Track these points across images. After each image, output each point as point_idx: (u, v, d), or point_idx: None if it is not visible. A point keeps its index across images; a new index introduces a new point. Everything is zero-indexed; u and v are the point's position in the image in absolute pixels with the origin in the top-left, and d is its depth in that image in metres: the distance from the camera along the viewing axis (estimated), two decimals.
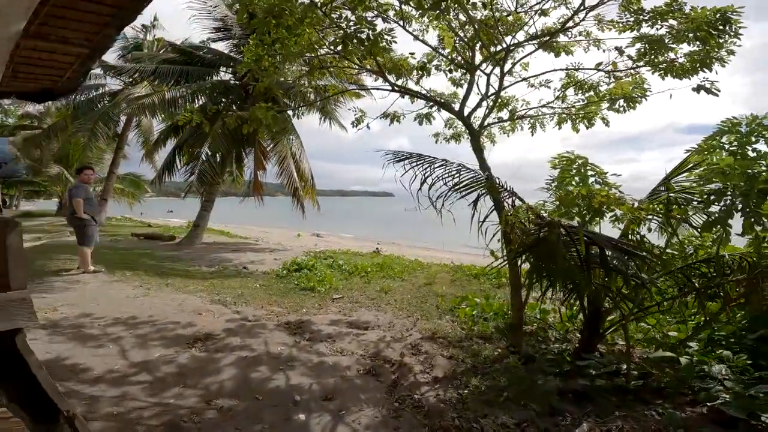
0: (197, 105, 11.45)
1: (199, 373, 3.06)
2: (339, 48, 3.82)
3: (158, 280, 5.94)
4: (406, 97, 6.26)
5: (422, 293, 5.97)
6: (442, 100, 4.85)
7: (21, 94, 5.16)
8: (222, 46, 11.57)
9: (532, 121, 6.09)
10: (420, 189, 3.38)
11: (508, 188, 3.43)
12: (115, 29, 3.84)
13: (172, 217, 29.81)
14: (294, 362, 3.36)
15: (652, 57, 4.36)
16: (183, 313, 4.41)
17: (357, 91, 6.95)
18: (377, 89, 4.88)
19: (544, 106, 5.48)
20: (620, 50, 4.50)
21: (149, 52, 13.51)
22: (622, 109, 5.09)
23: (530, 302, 4.93)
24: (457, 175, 3.41)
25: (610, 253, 2.57)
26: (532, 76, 5.43)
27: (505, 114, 6.01)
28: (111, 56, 16.59)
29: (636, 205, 3.24)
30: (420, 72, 4.64)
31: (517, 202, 3.66)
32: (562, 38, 4.96)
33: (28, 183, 22.92)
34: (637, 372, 3.17)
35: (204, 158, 9.39)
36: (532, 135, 6.22)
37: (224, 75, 11.58)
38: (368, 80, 7.32)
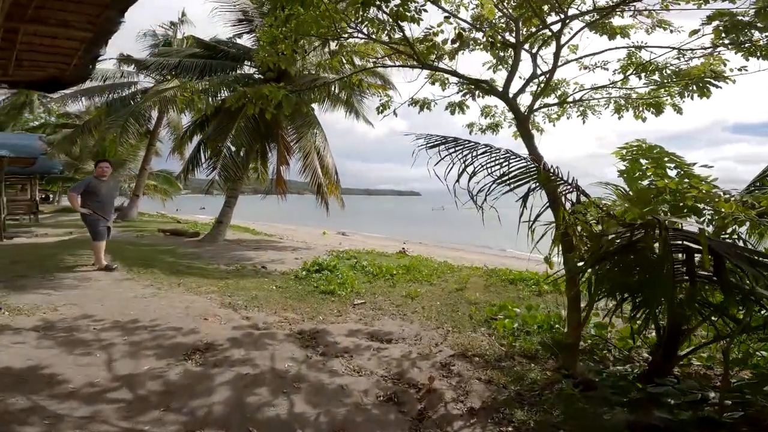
0: (219, 99, 11.31)
1: (189, 392, 2.59)
2: (360, 14, 3.26)
3: (171, 279, 5.62)
4: (437, 84, 5.67)
5: (453, 300, 5.34)
6: (482, 81, 4.18)
7: (29, 83, 4.92)
8: (247, 41, 11.34)
9: (582, 108, 5.33)
10: (458, 181, 2.78)
11: (572, 181, 2.75)
12: (117, 11, 3.42)
13: (204, 213, 30.48)
14: (301, 383, 2.84)
15: (734, 37, 3.55)
16: (188, 318, 4.00)
17: (382, 68, 6.29)
18: (406, 67, 4.27)
19: (601, 87, 4.70)
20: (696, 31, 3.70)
21: (176, 48, 13.54)
22: (696, 95, 4.26)
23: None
24: (506, 163, 2.77)
25: (732, 262, 1.86)
26: (586, 56, 4.67)
27: (552, 100, 5.28)
28: (142, 55, 16.88)
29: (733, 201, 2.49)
30: (456, 44, 4.00)
31: (573, 198, 3.00)
32: (617, 20, 4.24)
33: (68, 179, 23.94)
34: (731, 401, 2.44)
35: (226, 153, 9.12)
36: (584, 122, 5.45)
37: (248, 69, 11.35)
38: (394, 77, 6.74)
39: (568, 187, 2.75)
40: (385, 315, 4.61)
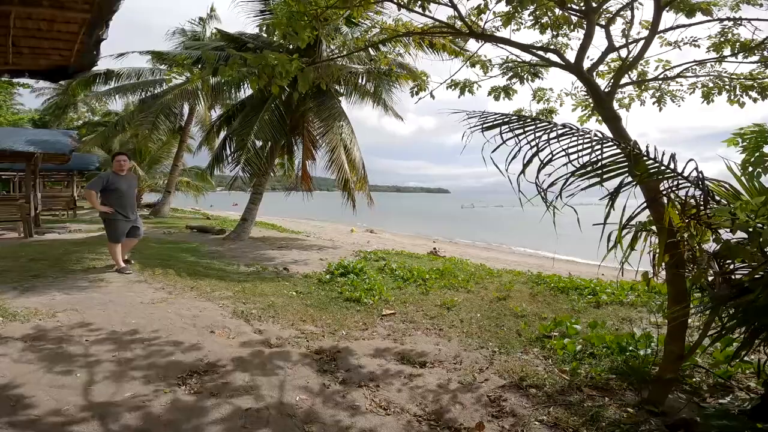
0: (243, 91, 10.99)
1: None
2: None
3: (185, 281, 5.20)
4: (477, 66, 4.94)
5: (495, 311, 4.61)
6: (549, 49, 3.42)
7: (34, 72, 4.57)
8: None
9: (659, 91, 4.45)
10: (523, 172, 2.09)
11: (694, 173, 1.99)
12: None
13: (236, 210, 30.88)
14: (313, 424, 2.24)
15: None
16: (193, 330, 3.52)
17: (410, 58, 5.59)
18: (449, 34, 3.57)
19: (694, 64, 3.80)
20: None
21: (202, 42, 13.40)
22: None
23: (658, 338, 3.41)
24: (594, 147, 2.04)
25: None
26: (672, 28, 3.79)
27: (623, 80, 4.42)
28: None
29: None
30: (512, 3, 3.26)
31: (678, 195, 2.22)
32: None
33: None
34: None
35: (250, 147, 8.73)
36: (660, 110, 4.56)
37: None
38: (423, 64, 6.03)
39: (683, 182, 1.98)
40: (417, 329, 3.96)
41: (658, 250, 3.21)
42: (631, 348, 3.45)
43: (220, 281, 5.37)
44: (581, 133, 2.08)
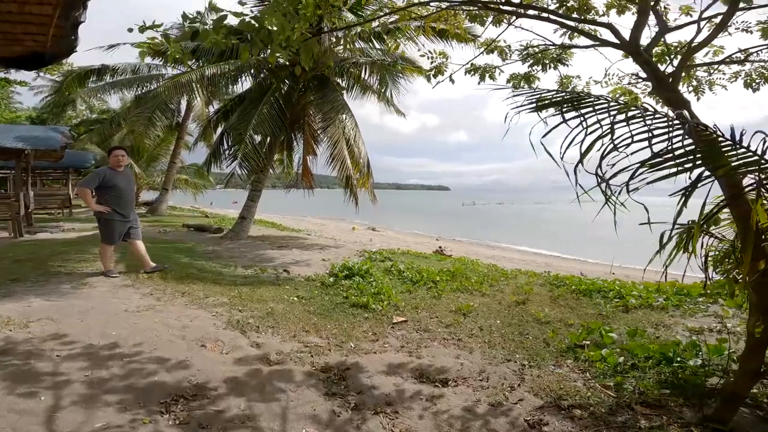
0: (241, 85, 10.56)
1: None
2: None
3: (176, 286, 4.80)
4: (495, 53, 4.51)
5: (516, 317, 4.21)
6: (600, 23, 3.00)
7: (7, 60, 4.22)
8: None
9: (696, 80, 4.04)
10: (581, 161, 1.69)
11: None
12: None
13: (236, 208, 30.42)
14: None
15: None
16: (181, 343, 3.11)
17: (429, 24, 5.12)
18: (481, 6, 3.14)
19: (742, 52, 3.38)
20: None
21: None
22: None
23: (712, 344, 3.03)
24: (674, 133, 1.63)
25: None
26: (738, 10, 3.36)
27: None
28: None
29: None
30: None
31: None
32: None
33: None
34: None
35: (248, 142, 8.30)
36: (698, 99, 4.14)
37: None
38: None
39: None
40: (434, 340, 3.56)
41: (707, 252, 2.84)
42: (678, 358, 3.08)
43: (214, 285, 4.97)
44: (658, 115, 1.67)
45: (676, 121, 1.65)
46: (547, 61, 4.18)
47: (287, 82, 9.54)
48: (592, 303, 4.75)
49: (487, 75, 3.96)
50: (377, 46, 9.27)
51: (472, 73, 3.91)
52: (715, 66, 3.72)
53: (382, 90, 7.97)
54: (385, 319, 4.01)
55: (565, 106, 1.72)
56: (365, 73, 9.47)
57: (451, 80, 3.88)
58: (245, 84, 10.33)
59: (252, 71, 9.75)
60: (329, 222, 22.11)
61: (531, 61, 4.21)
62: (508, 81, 4.32)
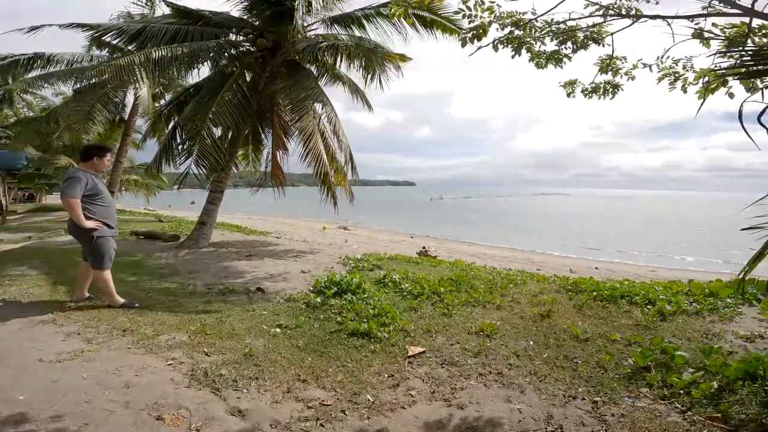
0: (198, 73, 9.27)
1: None
2: None
3: (114, 319, 3.71)
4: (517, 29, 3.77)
5: (549, 335, 3.56)
6: None
7: None
8: (232, 10, 9.21)
9: None
10: None
11: None
12: None
13: (196, 209, 28.16)
14: None
15: None
16: (124, 414, 2.14)
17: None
18: None
19: None
20: None
21: (150, 19, 11.38)
22: None
23: None
24: None
25: None
26: None
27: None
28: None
29: None
30: None
31: None
32: None
33: (42, 176, 21.69)
34: None
35: (206, 135, 7.13)
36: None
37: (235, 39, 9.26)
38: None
39: None
40: (468, 376, 2.81)
41: None
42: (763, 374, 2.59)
43: (169, 315, 3.92)
44: None
45: None
46: (584, 39, 3.50)
47: (254, 68, 8.41)
48: (622, 311, 4.21)
49: (524, 47, 3.22)
50: (357, 33, 8.34)
51: (505, 44, 3.16)
52: None
53: (368, 75, 7.07)
54: (397, 351, 3.21)
55: None
56: (340, 60, 8.49)
57: (495, 47, 3.11)
58: (203, 72, 9.06)
59: (212, 56, 8.50)
60: (299, 222, 20.90)
61: (561, 38, 3.52)
62: (531, 60, 3.60)
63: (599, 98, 3.78)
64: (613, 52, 3.51)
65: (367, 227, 21.24)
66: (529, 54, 3.55)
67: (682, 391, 2.53)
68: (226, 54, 8.77)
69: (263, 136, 10.14)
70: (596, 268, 11.06)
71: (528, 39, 3.19)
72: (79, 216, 3.77)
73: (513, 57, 3.23)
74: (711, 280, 5.43)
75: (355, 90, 10.31)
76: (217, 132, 9.07)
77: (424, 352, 3.21)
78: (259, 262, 6.67)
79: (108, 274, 4.05)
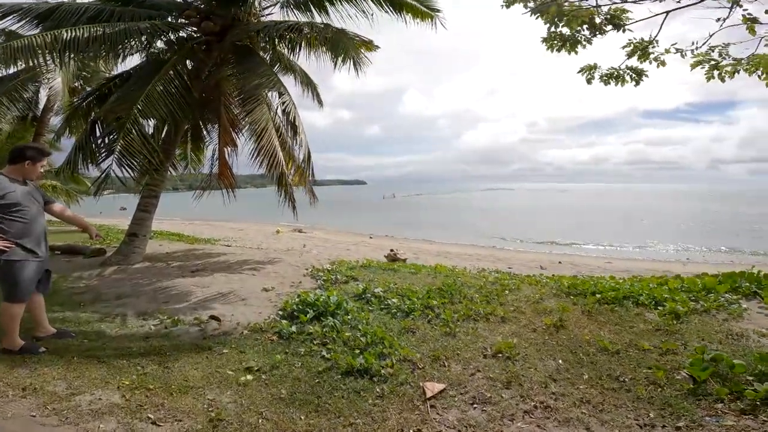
0: (122, 60, 7.86)
1: None
2: None
3: (12, 370, 2.65)
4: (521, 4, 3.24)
5: (577, 350, 3.15)
6: None
7: None
8: None
9: None
10: None
11: None
12: None
13: (128, 215, 25.16)
14: None
15: None
16: None
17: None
18: None
19: None
20: None
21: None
22: None
23: None
24: None
25: None
26: None
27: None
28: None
29: None
30: None
31: None
32: None
33: None
34: None
35: (132, 129, 5.87)
36: None
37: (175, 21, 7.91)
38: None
39: None
40: (513, 417, 2.26)
41: None
42: None
43: (91, 362, 2.90)
44: None
45: None
46: (603, 22, 3.07)
47: (197, 54, 7.21)
48: (633, 314, 3.89)
49: (555, 19, 2.70)
50: (319, 19, 7.43)
51: (532, 14, 2.63)
52: None
53: (339, 59, 6.20)
54: (411, 392, 2.53)
55: None
56: (299, 47, 7.54)
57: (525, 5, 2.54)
58: (134, 62, 7.68)
59: (144, 39, 7.15)
60: (249, 226, 19.34)
61: (579, 21, 3.06)
62: (545, 41, 3.13)
63: (618, 85, 3.40)
64: (652, 36, 3.11)
65: (322, 229, 20.19)
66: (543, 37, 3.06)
67: (758, 403, 2.19)
68: (162, 38, 7.46)
69: (206, 132, 8.89)
70: (559, 262, 11.16)
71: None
72: None
73: (547, 26, 2.69)
74: (699, 273, 5.39)
75: (307, 83, 9.39)
76: (150, 128, 7.77)
77: (444, 389, 2.56)
78: (209, 279, 5.61)
79: (17, 309, 3.09)
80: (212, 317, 3.80)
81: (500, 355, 3.06)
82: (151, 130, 7.95)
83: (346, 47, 6.02)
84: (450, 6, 6.77)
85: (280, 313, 3.87)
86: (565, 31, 3.19)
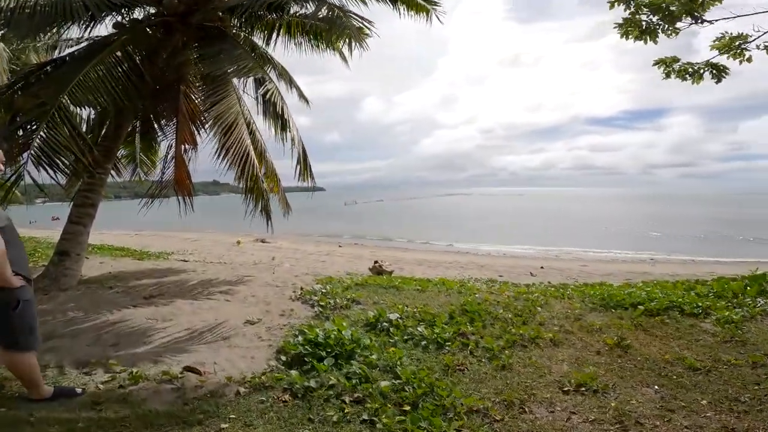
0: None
1: None
2: None
3: None
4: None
5: (661, 373, 2.70)
6: None
7: None
8: None
9: None
10: None
11: None
12: None
13: (62, 225, 22.10)
14: None
15: None
16: None
17: None
18: None
19: None
20: None
21: None
22: None
23: None
24: None
25: None
26: None
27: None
28: None
29: None
30: None
31: None
32: None
33: None
34: None
35: (60, 119, 4.58)
36: None
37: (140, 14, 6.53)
38: None
39: None
40: None
41: None
42: None
43: None
44: None
45: None
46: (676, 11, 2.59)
47: (154, 36, 5.98)
48: (687, 325, 3.53)
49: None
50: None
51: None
52: None
53: (333, 40, 5.31)
54: None
55: None
56: (275, 35, 6.50)
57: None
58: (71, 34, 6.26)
59: (86, 18, 5.79)
60: (204, 236, 17.58)
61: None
62: (616, 26, 2.56)
63: (693, 83, 2.96)
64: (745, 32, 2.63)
65: (286, 238, 18.84)
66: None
67: None
68: (107, 17, 6.12)
69: (158, 127, 7.53)
70: (542, 267, 10.93)
71: None
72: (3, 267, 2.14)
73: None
74: (724, 277, 5.14)
75: (288, 79, 8.21)
76: (87, 122, 6.45)
77: None
78: (170, 309, 4.47)
79: (35, 358, 2.43)
80: (188, 369, 2.75)
81: (583, 388, 2.46)
82: (87, 126, 6.59)
83: (344, 29, 5.14)
84: (407, 15, 6.12)
85: (282, 358, 2.91)
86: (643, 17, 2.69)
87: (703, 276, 7.87)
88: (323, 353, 2.83)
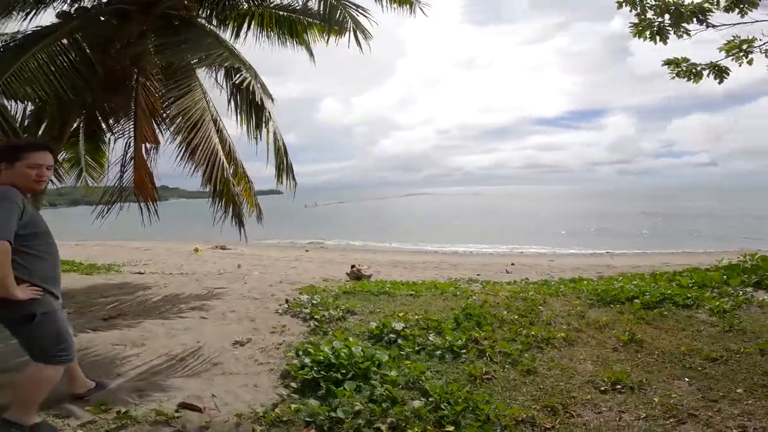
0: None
1: None
2: None
3: None
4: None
5: (683, 364, 2.82)
6: None
7: None
8: None
9: None
10: None
11: None
12: None
13: None
14: None
15: None
16: None
17: None
18: None
19: None
20: None
21: None
22: None
23: None
24: None
25: None
26: None
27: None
28: None
29: None
30: None
31: None
32: None
33: None
34: None
35: None
36: None
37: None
38: None
39: None
40: None
41: None
42: None
43: None
44: None
45: None
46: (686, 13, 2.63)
47: (109, 24, 5.26)
48: (685, 316, 3.64)
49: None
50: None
51: None
52: None
53: (330, 29, 4.88)
54: None
55: None
56: (246, 28, 5.96)
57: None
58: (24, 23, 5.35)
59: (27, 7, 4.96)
60: (156, 245, 16.24)
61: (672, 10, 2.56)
62: (631, 26, 2.53)
63: (693, 82, 3.04)
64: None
65: (247, 245, 17.92)
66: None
67: None
68: (53, 1, 5.31)
69: (106, 127, 6.69)
70: (512, 264, 11.17)
71: None
72: (6, 276, 1.84)
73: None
74: (698, 269, 5.40)
75: (254, 75, 7.65)
76: (22, 118, 5.64)
77: None
78: (138, 331, 3.91)
79: (60, 374, 2.17)
80: (184, 405, 2.32)
81: (619, 386, 2.44)
82: (22, 124, 5.74)
83: (343, 12, 4.79)
84: (364, 18, 5.88)
85: (292, 385, 2.57)
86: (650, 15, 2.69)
87: (661, 267, 8.39)
88: (338, 375, 2.54)
